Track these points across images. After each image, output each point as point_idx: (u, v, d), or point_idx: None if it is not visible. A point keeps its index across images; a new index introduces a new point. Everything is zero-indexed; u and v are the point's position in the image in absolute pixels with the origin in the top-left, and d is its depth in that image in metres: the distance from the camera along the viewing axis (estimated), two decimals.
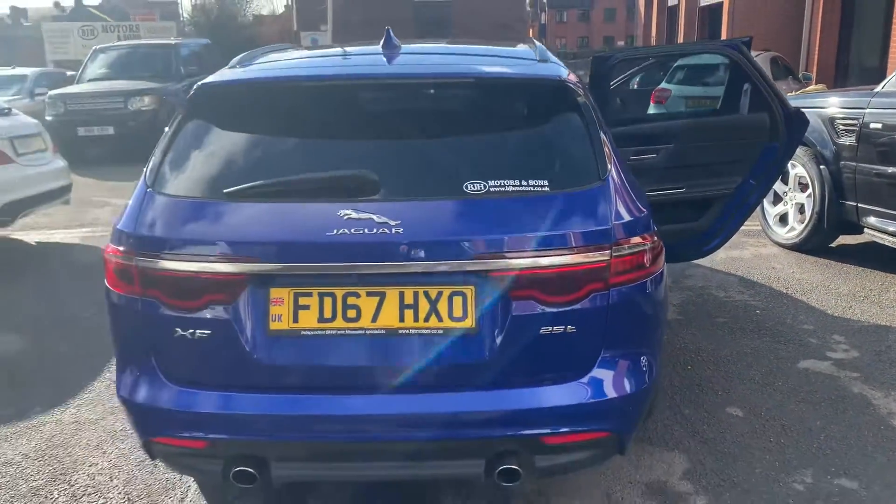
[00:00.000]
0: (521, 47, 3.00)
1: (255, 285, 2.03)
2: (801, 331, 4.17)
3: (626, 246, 2.08)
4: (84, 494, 2.76)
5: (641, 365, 2.20)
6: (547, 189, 2.08)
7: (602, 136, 2.27)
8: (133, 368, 2.20)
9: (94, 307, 4.81)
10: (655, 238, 2.20)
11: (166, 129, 2.38)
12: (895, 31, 11.40)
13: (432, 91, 2.32)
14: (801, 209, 5.76)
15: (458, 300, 2.01)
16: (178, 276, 2.05)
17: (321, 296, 2.03)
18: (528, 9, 41.12)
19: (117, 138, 11.60)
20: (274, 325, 2.04)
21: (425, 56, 2.87)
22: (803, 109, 4.00)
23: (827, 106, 5.53)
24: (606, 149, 2.26)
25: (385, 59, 2.56)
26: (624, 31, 72.69)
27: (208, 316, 2.05)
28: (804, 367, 3.70)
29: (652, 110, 11.39)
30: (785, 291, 4.86)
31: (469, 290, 2.01)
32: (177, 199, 2.14)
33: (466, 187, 2.06)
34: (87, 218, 7.63)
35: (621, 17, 73.97)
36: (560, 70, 2.46)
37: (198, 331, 2.05)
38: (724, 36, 16.90)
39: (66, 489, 2.80)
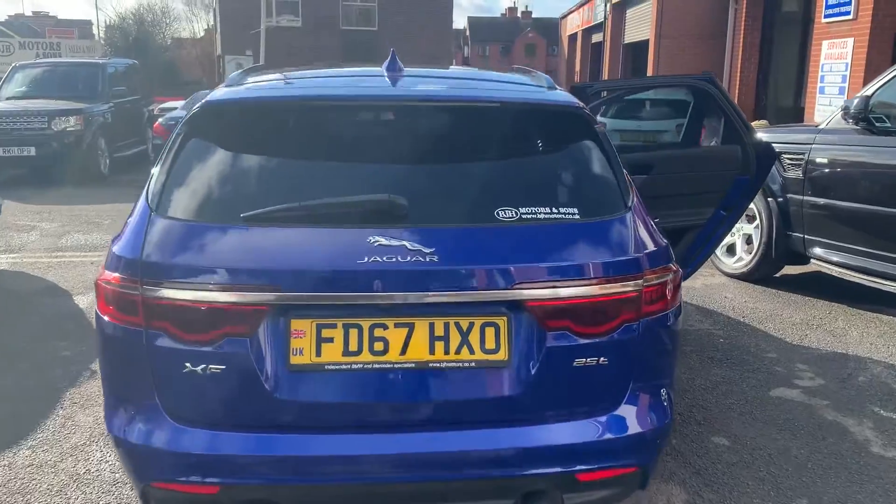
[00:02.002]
0: (519, 75, 2.98)
1: (274, 316, 1.90)
2: (767, 359, 4.25)
3: (654, 276, 2.05)
4: None
5: (664, 398, 2.17)
6: (577, 217, 2.04)
7: (620, 164, 2.26)
8: (130, 405, 2.02)
9: (35, 340, 4.49)
10: (678, 268, 2.19)
11: (165, 146, 2.23)
12: (810, 73, 12.04)
13: (456, 115, 2.24)
14: (749, 240, 5.94)
15: (490, 331, 1.93)
16: (189, 306, 1.90)
17: (346, 327, 1.91)
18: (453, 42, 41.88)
19: (39, 160, 11.02)
20: (295, 360, 1.90)
21: (438, 80, 2.80)
22: None
23: (773, 141, 5.73)
24: (626, 177, 2.24)
25: (397, 81, 2.48)
26: (544, 65, 74.72)
27: (223, 349, 1.90)
28: (777, 396, 3.76)
29: None
30: (742, 320, 4.97)
31: (502, 321, 1.94)
32: (186, 223, 1.99)
33: (498, 214, 2.00)
34: (14, 243, 7.17)
35: (541, 53, 76.00)
36: (572, 98, 2.45)
37: (210, 366, 1.90)
38: (649, 72, 17.51)
39: None
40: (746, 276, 5.94)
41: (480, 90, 2.58)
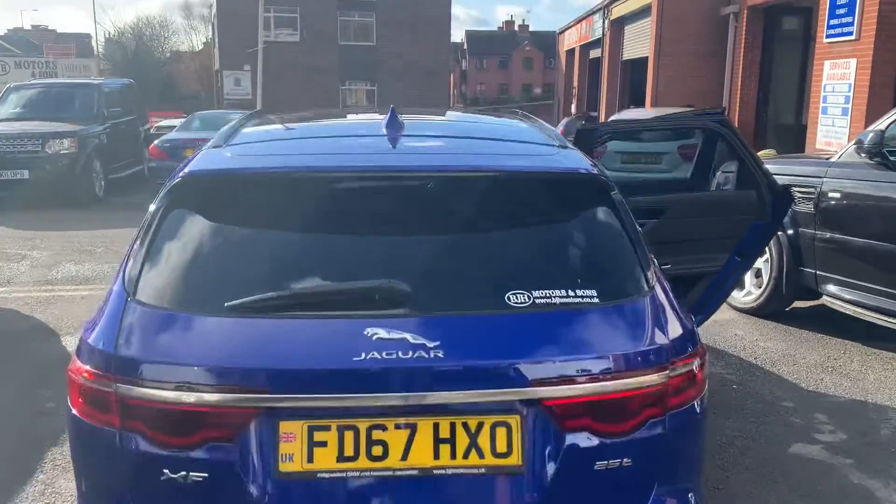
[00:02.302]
0: (526, 126, 2.81)
1: (261, 418, 1.72)
2: (782, 409, 4.07)
3: (681, 364, 1.88)
4: None
5: (691, 501, 1.98)
6: (596, 301, 1.86)
7: (640, 236, 2.08)
8: None
9: (19, 389, 4.30)
10: (703, 349, 2.01)
11: (143, 222, 2.05)
12: (812, 93, 11.90)
13: (461, 186, 2.06)
14: (758, 273, 5.77)
15: (501, 432, 1.75)
16: (168, 407, 1.72)
17: (341, 430, 1.73)
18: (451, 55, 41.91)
19: (33, 183, 10.85)
20: (284, 466, 1.72)
21: (437, 141, 2.59)
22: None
23: (783, 173, 5.57)
24: (647, 252, 2.07)
25: (394, 145, 2.30)
26: (541, 79, 74.84)
27: (204, 455, 1.72)
28: (797, 454, 3.57)
29: None
30: (754, 362, 4.79)
31: (515, 421, 1.76)
32: (165, 313, 1.81)
33: (509, 299, 1.82)
34: (3, 275, 6.99)
35: (538, 66, 76.14)
36: (586, 161, 2.27)
37: (191, 473, 1.72)
38: (648, 88, 17.41)
39: None
40: (756, 311, 5.77)
41: (487, 155, 2.36)
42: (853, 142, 5.21)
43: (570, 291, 1.85)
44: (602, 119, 22.43)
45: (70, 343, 5.05)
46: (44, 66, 23.52)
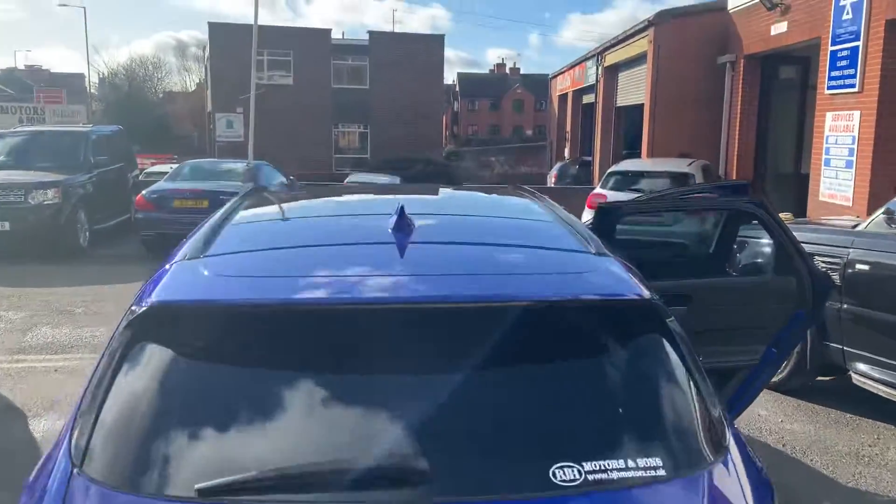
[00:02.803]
0: (549, 218, 2.47)
1: None
2: None
3: None
4: None
5: None
6: (662, 473, 1.49)
7: (704, 376, 1.73)
8: None
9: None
10: None
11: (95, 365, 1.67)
12: (815, 144, 11.72)
13: (485, 322, 1.67)
14: None
15: None
16: None
17: None
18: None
19: (14, 235, 10.45)
20: None
21: (453, 251, 2.12)
22: None
23: (805, 241, 5.27)
24: (713, 394, 1.71)
25: (404, 255, 1.95)
26: (532, 120, 75.28)
27: None
28: None
29: (587, 216, 11.25)
30: (783, 450, 4.43)
31: None
32: (120, 496, 1.43)
33: (555, 475, 1.45)
34: None
35: (529, 108, 76.62)
36: (633, 279, 1.90)
37: None
38: (644, 136, 17.24)
39: None
40: (778, 386, 5.41)
41: (515, 276, 1.89)
42: (881, 211, 4.92)
43: (628, 461, 1.48)
44: (596, 166, 22.29)
45: (38, 427, 4.63)
46: (31, 112, 23.17)
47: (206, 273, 1.83)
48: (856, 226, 5.14)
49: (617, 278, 1.88)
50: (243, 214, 2.49)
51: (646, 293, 1.81)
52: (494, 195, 3.52)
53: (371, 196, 3.40)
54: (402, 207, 2.09)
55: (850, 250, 4.95)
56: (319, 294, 1.75)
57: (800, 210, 13.44)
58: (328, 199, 3.11)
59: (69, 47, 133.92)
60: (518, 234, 2.36)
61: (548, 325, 1.70)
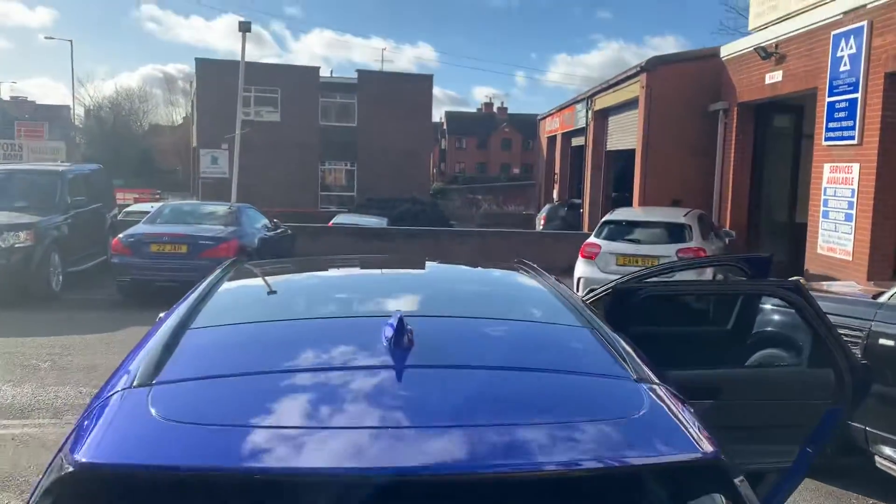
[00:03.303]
0: (556, 304, 2.11)
1: None
2: None
3: None
4: None
5: None
6: None
7: None
8: None
9: None
10: None
11: None
12: (812, 196, 11.50)
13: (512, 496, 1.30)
14: None
15: None
16: None
17: None
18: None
19: None
20: None
21: (466, 384, 1.67)
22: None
23: None
24: None
25: (404, 385, 1.56)
26: (520, 159, 75.63)
27: None
28: None
29: (582, 266, 10.90)
30: None
31: None
32: None
33: None
34: None
35: (517, 147, 77.04)
36: (691, 425, 1.52)
37: None
38: (636, 182, 17.02)
39: None
40: None
41: (546, 427, 1.44)
42: None
43: None
44: (585, 209, 22.07)
45: None
46: (8, 149, 22.64)
47: (152, 413, 1.43)
48: (877, 296, 4.81)
49: (671, 425, 1.50)
50: (211, 310, 2.11)
51: (710, 448, 1.43)
52: (495, 274, 3.16)
53: (362, 277, 2.99)
54: (401, 319, 1.70)
55: (872, 323, 4.62)
56: (295, 461, 1.32)
57: (795, 261, 13.20)
58: (314, 285, 2.72)
59: (55, 79, 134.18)
60: (537, 348, 1.97)
61: (591, 493, 1.32)
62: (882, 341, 4.52)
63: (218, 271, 2.80)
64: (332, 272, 3.11)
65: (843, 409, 3.05)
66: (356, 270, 3.16)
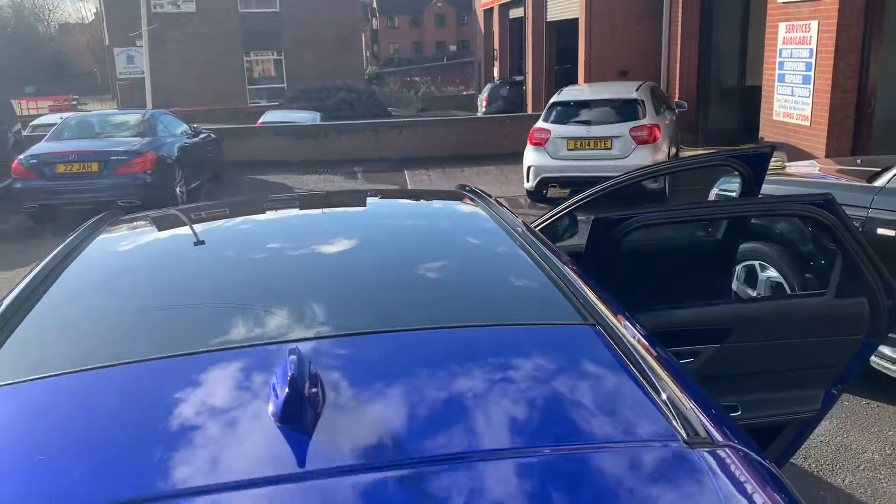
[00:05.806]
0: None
1: None
2: None
3: None
4: None
5: None
6: None
7: None
8: None
9: None
10: None
11: None
12: (766, 58, 10.86)
13: None
14: None
15: None
16: None
17: None
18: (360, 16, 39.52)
19: None
20: None
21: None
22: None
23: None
24: None
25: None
26: (455, 36, 73.03)
27: None
28: None
29: (531, 153, 10.20)
30: (801, 465, 3.65)
31: None
32: None
33: None
34: None
35: (452, 23, 74.30)
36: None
37: None
38: (581, 55, 16.14)
39: None
40: None
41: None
42: None
43: None
44: (528, 86, 21.14)
45: None
46: None
47: None
48: (872, 178, 4.27)
49: None
50: (64, 288, 1.43)
51: None
52: (441, 209, 2.54)
53: (275, 250, 2.13)
54: (299, 351, 1.04)
55: (869, 210, 4.11)
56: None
57: (746, 126, 12.74)
58: (204, 265, 1.95)
59: None
60: (504, 347, 1.36)
61: None
62: (879, 231, 4.02)
63: (89, 225, 2.13)
64: (237, 232, 2.31)
65: (877, 343, 2.53)
66: (270, 230, 2.35)
